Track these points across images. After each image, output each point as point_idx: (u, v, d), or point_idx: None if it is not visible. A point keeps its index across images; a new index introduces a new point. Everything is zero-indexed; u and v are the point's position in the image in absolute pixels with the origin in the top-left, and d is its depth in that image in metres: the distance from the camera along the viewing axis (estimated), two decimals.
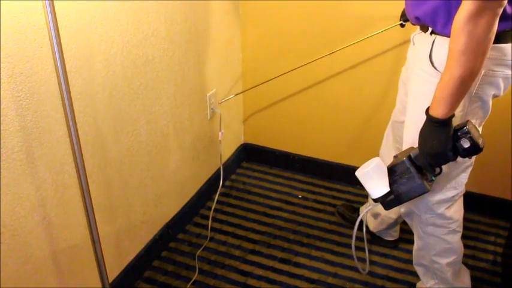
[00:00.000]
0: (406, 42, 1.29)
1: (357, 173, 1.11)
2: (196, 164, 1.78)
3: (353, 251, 1.27)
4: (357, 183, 1.13)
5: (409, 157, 1.05)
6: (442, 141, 0.99)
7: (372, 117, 1.82)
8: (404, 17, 1.32)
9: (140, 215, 1.50)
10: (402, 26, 1.33)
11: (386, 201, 1.10)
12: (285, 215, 1.84)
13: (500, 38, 1.00)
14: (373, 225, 1.66)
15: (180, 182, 1.70)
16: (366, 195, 1.78)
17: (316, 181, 2.02)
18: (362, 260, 1.54)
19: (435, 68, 1.08)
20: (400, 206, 1.31)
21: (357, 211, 1.77)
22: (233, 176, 2.06)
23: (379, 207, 1.56)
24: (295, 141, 2.04)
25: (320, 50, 1.71)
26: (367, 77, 1.76)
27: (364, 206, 1.67)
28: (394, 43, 1.65)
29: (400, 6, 1.30)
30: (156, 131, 1.49)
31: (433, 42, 1.08)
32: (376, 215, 1.62)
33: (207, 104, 1.75)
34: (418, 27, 1.16)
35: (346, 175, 1.96)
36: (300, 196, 1.94)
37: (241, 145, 2.14)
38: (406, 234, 1.68)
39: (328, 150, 1.99)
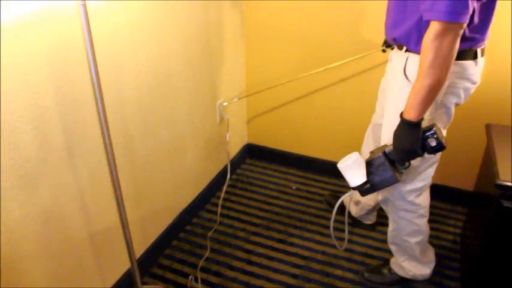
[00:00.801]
0: (384, 62, 1.29)
1: (339, 165, 1.11)
2: (207, 161, 1.78)
3: (331, 231, 1.28)
4: (342, 177, 1.13)
5: (384, 153, 1.06)
6: (413, 140, 1.00)
7: (355, 121, 1.82)
8: (386, 44, 1.32)
9: (161, 203, 1.51)
10: (384, 51, 1.33)
11: (364, 189, 1.10)
12: (281, 203, 1.84)
13: (461, 56, 1.00)
14: (354, 211, 1.65)
15: (195, 175, 1.70)
16: (349, 186, 1.78)
17: (308, 175, 2.02)
18: (343, 239, 1.53)
19: (408, 80, 1.08)
20: (378, 194, 1.31)
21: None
22: (238, 171, 2.06)
23: (360, 196, 1.56)
24: (291, 141, 2.03)
25: (314, 67, 1.71)
26: (352, 89, 1.76)
27: (347, 195, 1.67)
28: (375, 63, 1.66)
29: (383, 35, 1.29)
30: (175, 134, 1.49)
31: (407, 58, 1.08)
32: (357, 203, 1.62)
33: (216, 111, 1.75)
34: (395, 46, 1.16)
35: (332, 170, 1.90)
36: (294, 187, 1.94)
37: (245, 145, 2.13)
38: (382, 219, 1.68)
39: (318, 149, 1.99)
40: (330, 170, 1.97)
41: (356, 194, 1.57)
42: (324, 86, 1.82)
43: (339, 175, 1.14)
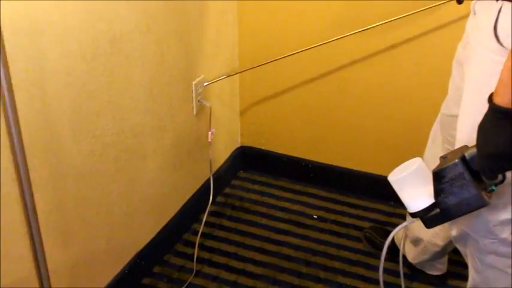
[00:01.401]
0: (461, 18, 1.28)
1: (391, 178, 1.09)
2: (178, 173, 1.77)
3: (381, 286, 1.25)
4: (391, 199, 1.11)
5: (463, 158, 1.04)
6: (509, 138, 0.97)
7: (412, 111, 1.82)
8: None
9: (104, 242, 1.50)
10: (459, 2, 1.31)
11: (429, 217, 1.08)
12: (295, 241, 1.83)
13: None
14: (412, 254, 1.64)
15: (157, 197, 1.69)
16: (403, 215, 1.76)
17: (337, 196, 2.01)
18: None
19: (501, 44, 1.06)
20: (450, 226, 1.30)
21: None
22: (227, 190, 2.05)
23: (421, 230, 1.54)
24: (309, 144, 2.03)
25: (345, 28, 1.70)
26: (408, 60, 1.76)
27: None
28: (445, 19, 1.65)
29: None
30: (126, 130, 1.48)
31: (500, 10, 1.07)
32: (416, 241, 1.61)
33: (192, 95, 1.75)
34: None
35: (376, 188, 1.95)
36: (315, 216, 1.93)
37: (237, 149, 2.13)
38: (456, 267, 1.67)
39: (352, 156, 1.99)
40: (372, 187, 1.97)
41: (416, 227, 1.56)
42: (362, 57, 1.81)
43: (387, 196, 1.12)
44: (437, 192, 1.05)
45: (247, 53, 1.95)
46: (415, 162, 1.09)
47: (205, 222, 1.81)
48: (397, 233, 1.21)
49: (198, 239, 1.77)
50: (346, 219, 1.92)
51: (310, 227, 1.88)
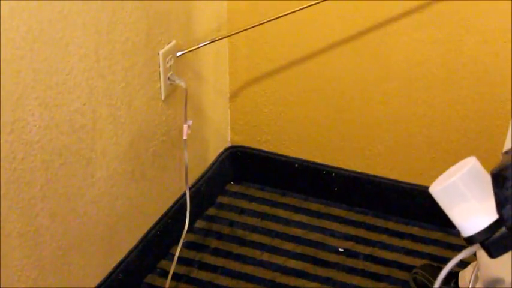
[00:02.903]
0: None
1: (432, 189, 1.08)
2: (138, 186, 1.78)
3: None
4: (454, 224, 1.08)
5: None
6: None
7: (492, 93, 1.81)
8: None
9: None
10: None
11: (494, 240, 1.06)
12: (312, 286, 1.83)
13: None
14: None
15: (108, 221, 1.69)
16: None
17: (373, 219, 2.03)
18: None
19: None
20: None
21: (453, 278, 1.73)
22: (211, 211, 2.07)
23: (500, 267, 1.52)
24: (333, 143, 2.05)
25: None
26: (487, 10, 1.74)
27: (470, 267, 1.64)
28: None
29: None
30: (61, 121, 1.47)
31: None
32: (493, 283, 1.58)
33: (159, 70, 1.75)
34: None
35: (432, 208, 1.90)
36: (341, 249, 1.95)
37: (226, 150, 2.16)
38: None
39: (396, 161, 2.01)
40: (426, 207, 1.99)
41: (492, 264, 1.52)
42: (411, 8, 1.80)
43: (447, 219, 1.09)
44: (500, 203, 1.03)
45: (241, 8, 1.95)
46: (467, 163, 1.07)
47: (179, 258, 1.81)
48: (463, 274, 1.19)
49: (168, 284, 1.77)
50: (387, 254, 1.92)
51: (334, 266, 1.89)
